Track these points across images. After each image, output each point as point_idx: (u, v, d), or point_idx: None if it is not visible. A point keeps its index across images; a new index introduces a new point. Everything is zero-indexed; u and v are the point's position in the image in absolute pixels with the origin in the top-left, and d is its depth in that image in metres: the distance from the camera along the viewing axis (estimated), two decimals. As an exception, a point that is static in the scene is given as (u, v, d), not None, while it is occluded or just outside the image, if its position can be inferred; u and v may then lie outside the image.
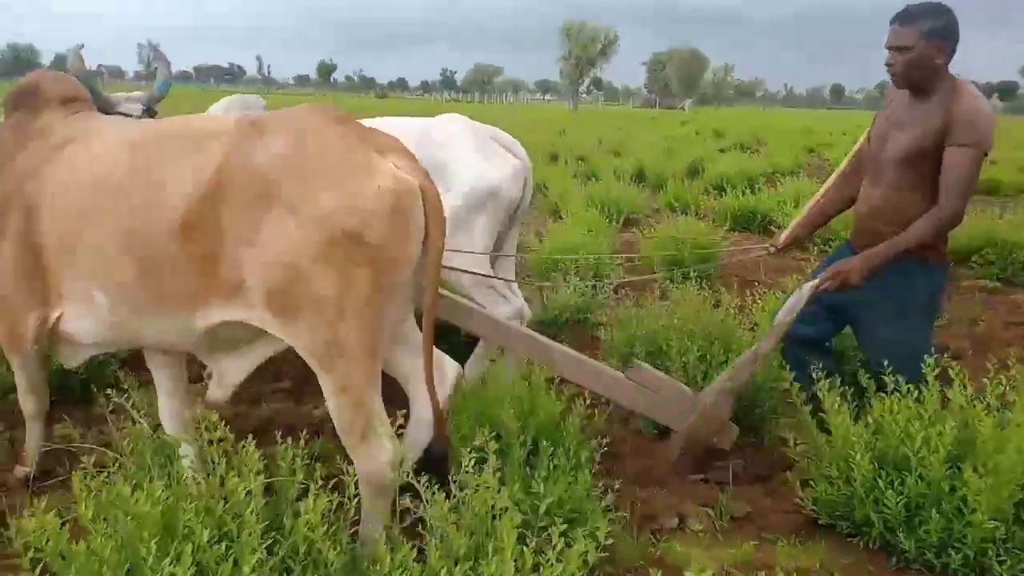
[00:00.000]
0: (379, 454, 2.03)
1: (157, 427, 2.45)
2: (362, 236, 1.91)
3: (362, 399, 2.02)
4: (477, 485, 1.84)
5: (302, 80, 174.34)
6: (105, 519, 1.68)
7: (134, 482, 1.81)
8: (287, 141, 1.99)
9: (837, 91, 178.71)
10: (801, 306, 2.73)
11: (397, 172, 2.00)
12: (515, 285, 3.41)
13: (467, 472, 1.91)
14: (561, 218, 7.39)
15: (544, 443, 2.41)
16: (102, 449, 2.45)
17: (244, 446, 1.87)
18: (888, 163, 2.72)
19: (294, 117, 2.11)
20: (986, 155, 2.59)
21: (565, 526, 1.72)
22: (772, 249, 3.13)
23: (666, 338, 3.22)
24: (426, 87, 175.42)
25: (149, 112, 3.17)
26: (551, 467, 2.36)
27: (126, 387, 2.66)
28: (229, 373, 2.30)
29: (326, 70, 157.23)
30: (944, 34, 2.58)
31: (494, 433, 2.33)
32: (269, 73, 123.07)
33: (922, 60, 2.59)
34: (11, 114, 2.44)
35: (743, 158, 13.74)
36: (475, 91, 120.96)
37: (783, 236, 3.11)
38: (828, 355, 3.02)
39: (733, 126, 27.86)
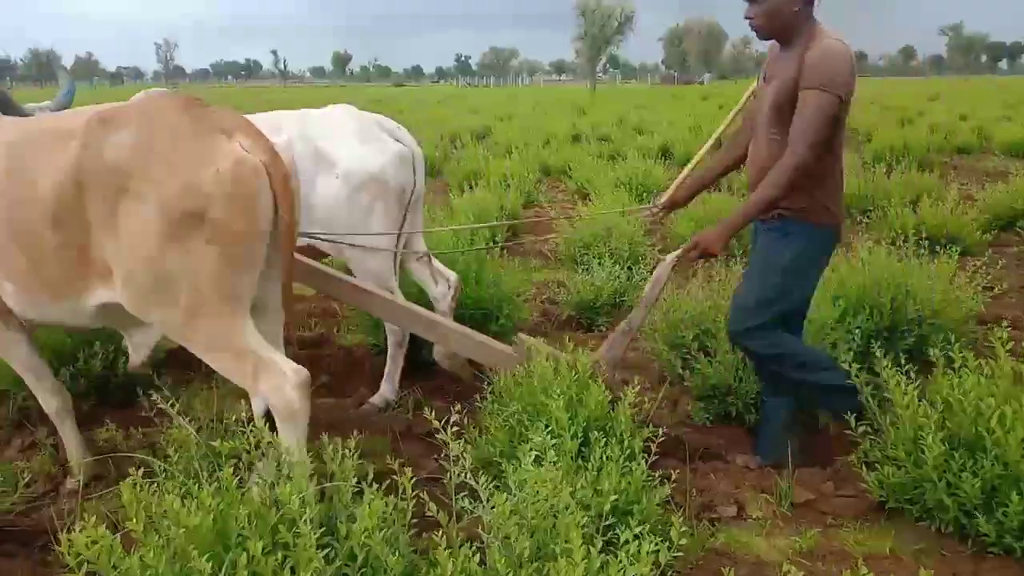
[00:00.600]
0: (281, 383, 2.16)
1: (200, 430, 2.41)
2: (204, 216, 2.07)
3: (239, 349, 2.20)
4: (537, 483, 1.75)
5: (318, 72, 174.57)
6: (156, 530, 1.62)
7: (184, 490, 1.75)
8: (131, 132, 2.13)
9: (859, 58, 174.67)
10: (666, 278, 2.76)
11: (239, 153, 2.13)
12: (436, 264, 3.50)
13: (526, 469, 1.83)
14: (589, 199, 7.27)
15: (596, 434, 2.32)
16: (145, 457, 2.42)
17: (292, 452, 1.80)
18: (762, 118, 2.62)
19: (140, 108, 2.22)
20: (842, 100, 2.42)
21: (640, 528, 1.63)
22: (656, 209, 3.02)
23: (713, 320, 3.11)
24: (441, 73, 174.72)
25: None
26: (604, 458, 2.27)
27: (166, 389, 2.65)
28: (139, 344, 2.57)
29: (341, 61, 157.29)
30: None
31: (548, 428, 2.27)
32: (285, 67, 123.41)
33: (778, 8, 2.48)
34: None
35: (770, 131, 13.45)
36: (490, 75, 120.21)
37: (664, 197, 3.00)
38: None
39: (756, 99, 27.30)
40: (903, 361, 2.54)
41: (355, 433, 2.02)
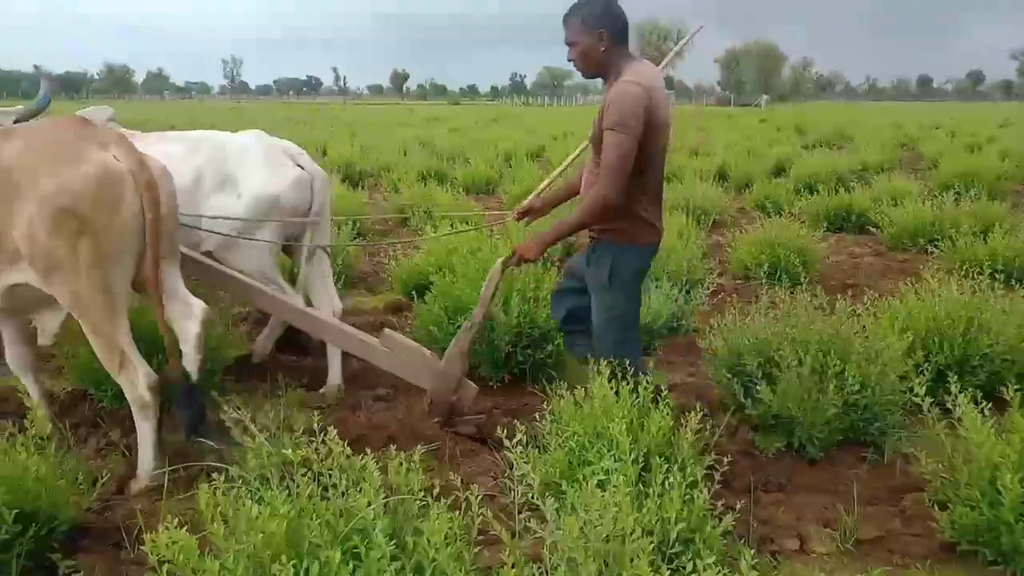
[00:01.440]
0: (136, 380, 2.69)
1: (269, 437, 2.48)
2: (75, 211, 2.50)
3: (112, 341, 2.66)
4: (602, 506, 1.75)
5: (376, 89, 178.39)
6: (232, 534, 1.68)
7: (257, 497, 1.81)
8: (21, 144, 2.62)
9: (924, 82, 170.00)
10: (498, 279, 3.08)
11: (107, 160, 2.60)
12: (328, 283, 3.90)
13: (591, 492, 1.83)
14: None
15: (657, 460, 2.31)
16: (218, 464, 2.50)
17: (363, 463, 1.85)
18: (592, 147, 2.80)
19: (36, 125, 2.87)
20: (639, 136, 2.56)
21: (711, 558, 1.62)
22: (514, 218, 3.27)
23: (777, 348, 3.06)
24: (496, 92, 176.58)
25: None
26: (665, 485, 2.26)
27: (234, 396, 2.74)
28: (47, 325, 2.94)
29: (399, 79, 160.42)
30: (601, 22, 2.62)
31: (610, 452, 2.27)
32: (345, 84, 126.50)
33: (587, 51, 2.66)
34: None
35: (830, 155, 13.18)
36: (545, 94, 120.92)
37: (522, 205, 3.23)
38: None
39: (815, 122, 26.83)
40: (978, 398, 2.46)
41: (421, 448, 2.06)
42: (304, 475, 1.87)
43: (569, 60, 2.75)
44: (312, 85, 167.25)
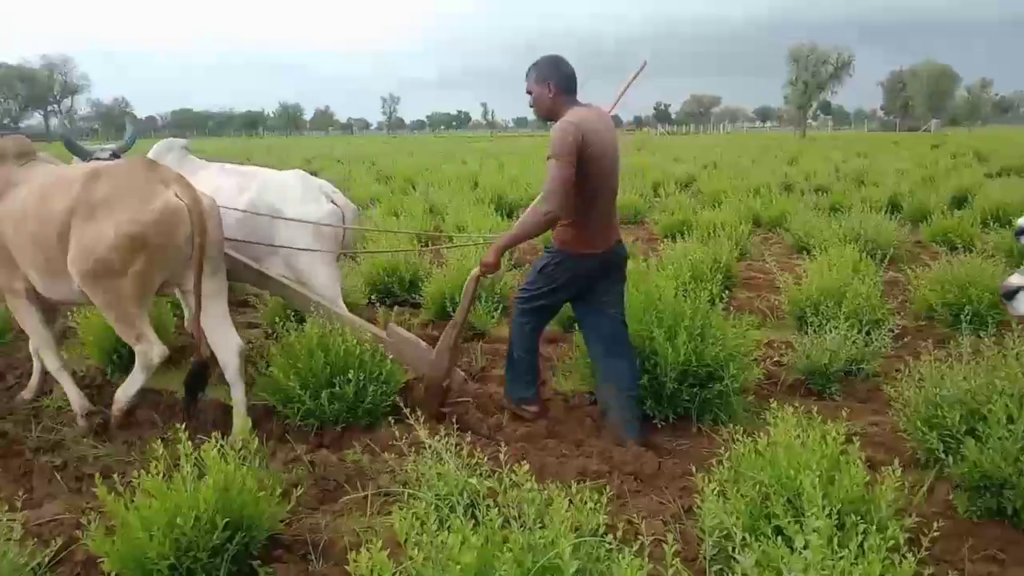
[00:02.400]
0: (149, 350, 3.43)
1: (445, 461, 2.55)
2: (143, 236, 3.25)
3: (134, 323, 3.40)
4: (805, 568, 1.64)
5: (521, 122, 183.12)
6: (428, 560, 1.72)
7: (447, 525, 1.85)
8: (107, 184, 3.32)
9: (1006, 108, 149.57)
10: (472, 290, 3.64)
11: (170, 198, 3.32)
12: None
13: (791, 552, 1.71)
14: (810, 254, 6.84)
15: (852, 518, 2.13)
16: (409, 490, 2.58)
17: (548, 496, 1.84)
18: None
19: (119, 167, 3.49)
20: (573, 163, 3.15)
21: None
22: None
23: (987, 399, 2.76)
24: (639, 121, 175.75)
25: (116, 157, 4.24)
26: (863, 548, 2.08)
27: (413, 420, 2.84)
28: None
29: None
30: (549, 76, 3.32)
31: (799, 507, 2.13)
32: (492, 117, 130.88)
33: (539, 97, 3.36)
34: None
35: (1021, 185, 11.90)
36: (690, 122, 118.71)
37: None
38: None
39: (998, 148, 24.43)
40: None
41: (609, 489, 2.03)
42: (489, 505, 1.90)
43: (529, 105, 3.44)
44: (461, 120, 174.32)
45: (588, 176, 3.22)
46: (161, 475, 2.35)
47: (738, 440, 2.63)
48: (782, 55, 66.24)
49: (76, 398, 3.75)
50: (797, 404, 2.93)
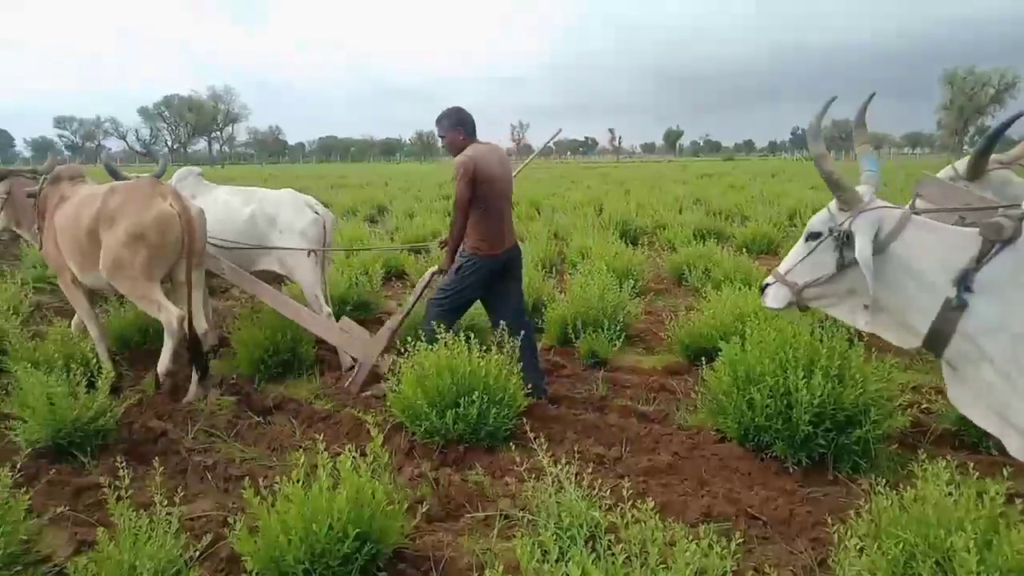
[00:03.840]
0: (169, 316, 4.38)
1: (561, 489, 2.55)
2: (143, 236, 4.29)
3: (152, 299, 4.40)
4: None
5: (648, 148, 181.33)
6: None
7: (568, 556, 1.84)
8: (118, 197, 4.40)
9: None
10: (421, 289, 4.66)
11: (165, 207, 4.37)
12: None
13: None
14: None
15: (1014, 588, 1.94)
16: (526, 515, 2.60)
17: (674, 540, 1.80)
18: None
19: (128, 184, 4.54)
20: (468, 183, 4.10)
21: None
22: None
23: None
24: (774, 147, 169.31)
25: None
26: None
27: (533, 443, 2.86)
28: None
29: (673, 137, 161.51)
30: (457, 123, 4.28)
31: (950, 570, 1.96)
32: (620, 143, 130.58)
33: (451, 140, 4.31)
34: (51, 184, 4.81)
35: None
36: (830, 148, 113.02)
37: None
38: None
39: None
40: None
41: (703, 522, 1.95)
42: (611, 541, 1.87)
43: (441, 145, 4.37)
44: (589, 145, 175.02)
45: (483, 196, 4.17)
46: (299, 482, 2.50)
47: (880, 492, 2.45)
48: (935, 77, 61.94)
49: (104, 358, 4.80)
50: (949, 457, 2.71)
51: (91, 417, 3.67)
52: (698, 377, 4.51)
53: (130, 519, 2.42)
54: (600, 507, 2.39)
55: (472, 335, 3.97)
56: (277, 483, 2.54)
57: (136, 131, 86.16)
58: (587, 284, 5.84)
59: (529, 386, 4.09)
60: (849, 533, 2.30)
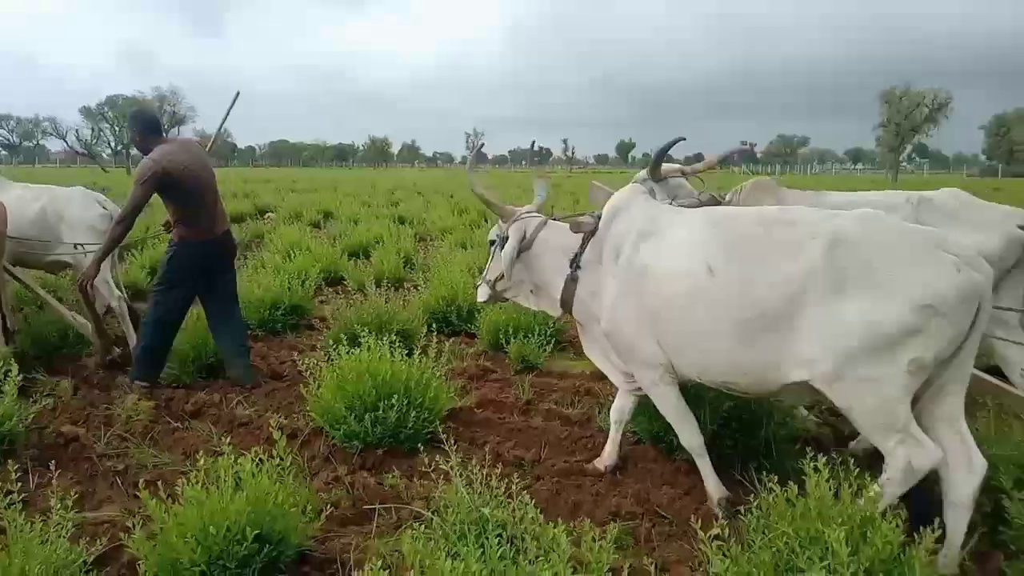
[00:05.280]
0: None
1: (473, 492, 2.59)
2: None
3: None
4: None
5: (602, 159, 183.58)
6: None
7: (453, 551, 1.88)
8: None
9: None
10: (88, 292, 4.75)
11: None
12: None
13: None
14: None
15: (881, 578, 2.04)
16: (420, 511, 2.63)
17: (555, 533, 1.85)
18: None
19: None
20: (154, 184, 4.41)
21: None
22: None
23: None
24: (723, 162, 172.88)
25: None
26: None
27: (448, 447, 2.89)
28: None
29: (625, 149, 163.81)
30: (140, 126, 4.66)
31: (826, 563, 2.06)
32: (573, 154, 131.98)
33: (139, 141, 4.65)
34: None
35: None
36: (776, 163, 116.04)
37: None
38: None
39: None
40: None
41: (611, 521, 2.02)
42: (498, 535, 1.92)
43: (135, 147, 4.72)
44: (543, 155, 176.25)
45: (183, 190, 4.42)
46: (201, 485, 2.48)
47: (771, 488, 2.55)
48: (874, 96, 64.34)
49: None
50: (834, 454, 2.83)
51: (-5, 422, 3.56)
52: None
53: (21, 525, 2.37)
54: (497, 506, 2.43)
55: (397, 339, 3.99)
56: (180, 487, 2.52)
57: (77, 131, 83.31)
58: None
59: (233, 374, 4.69)
60: (731, 530, 2.40)
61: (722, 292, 2.73)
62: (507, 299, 3.78)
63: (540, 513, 1.91)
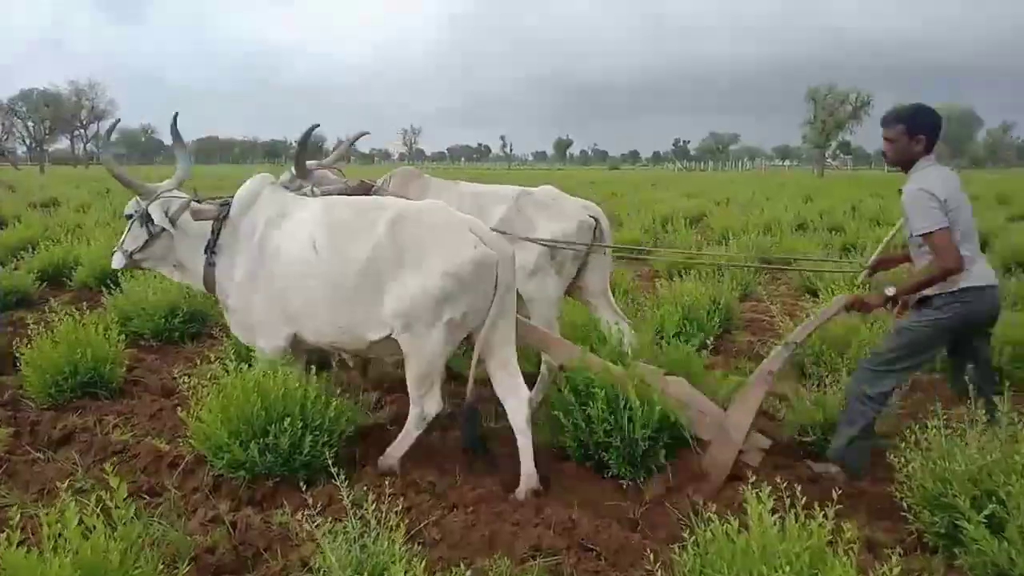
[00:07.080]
0: None
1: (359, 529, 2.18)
2: None
3: None
4: None
5: (540, 156, 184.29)
6: None
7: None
8: None
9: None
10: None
11: None
12: None
13: None
14: (817, 297, 6.43)
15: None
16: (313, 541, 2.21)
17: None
18: None
19: None
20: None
21: None
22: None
23: (1005, 479, 2.35)
24: (658, 157, 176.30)
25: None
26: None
27: (338, 480, 2.48)
28: None
29: (563, 146, 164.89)
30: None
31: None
32: (511, 151, 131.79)
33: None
34: None
35: (1047, 228, 11.40)
36: (708, 159, 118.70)
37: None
38: None
39: (1020, 191, 23.87)
40: None
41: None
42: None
43: None
44: (482, 152, 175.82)
45: None
46: (18, 545, 1.99)
47: (709, 518, 2.23)
48: (802, 94, 66.16)
49: None
50: (783, 475, 2.55)
51: None
52: (547, 398, 4.25)
53: None
54: (393, 556, 2.03)
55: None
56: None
57: (-14, 127, 78.28)
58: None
59: None
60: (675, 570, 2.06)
61: (324, 267, 3.26)
62: (146, 268, 3.92)
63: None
